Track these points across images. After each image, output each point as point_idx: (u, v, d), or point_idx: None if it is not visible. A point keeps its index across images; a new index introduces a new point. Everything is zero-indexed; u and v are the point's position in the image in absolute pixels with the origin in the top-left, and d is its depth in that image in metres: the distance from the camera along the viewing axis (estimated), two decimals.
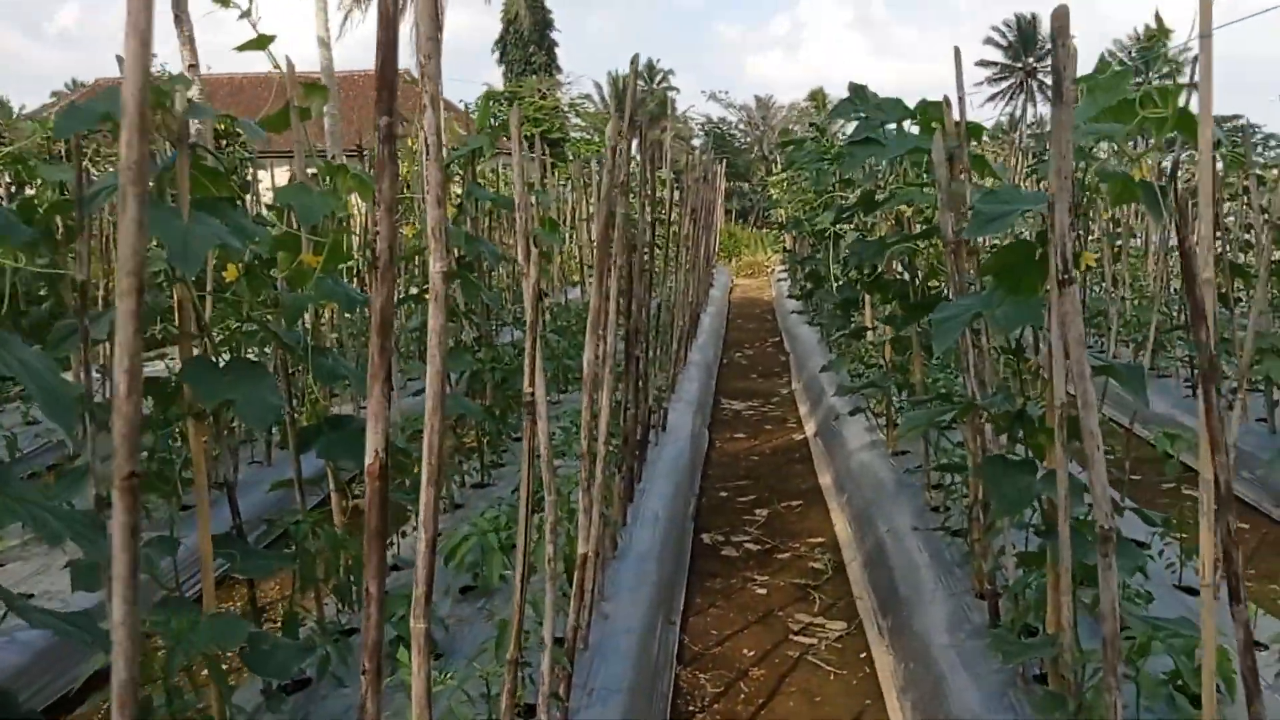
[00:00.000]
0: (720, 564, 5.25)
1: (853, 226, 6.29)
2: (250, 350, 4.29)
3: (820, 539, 5.57)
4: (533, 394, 2.29)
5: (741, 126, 45.57)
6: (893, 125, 4.20)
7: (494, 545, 3.02)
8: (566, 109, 29.43)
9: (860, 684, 3.94)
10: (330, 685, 3.33)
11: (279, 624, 3.41)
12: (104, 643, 2.24)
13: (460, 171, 5.41)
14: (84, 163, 3.16)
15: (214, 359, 2.96)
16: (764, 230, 27.37)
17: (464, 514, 5.15)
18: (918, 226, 4.98)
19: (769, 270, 21.99)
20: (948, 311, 2.62)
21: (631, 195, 7.25)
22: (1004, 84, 62.62)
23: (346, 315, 5.86)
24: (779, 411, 8.98)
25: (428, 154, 1.66)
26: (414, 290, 5.92)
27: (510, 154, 2.91)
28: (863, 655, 4.18)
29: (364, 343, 7.23)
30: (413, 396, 6.04)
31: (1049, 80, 2.09)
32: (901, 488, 5.38)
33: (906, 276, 4.90)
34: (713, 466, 7.16)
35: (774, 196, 15.49)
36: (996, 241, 4.12)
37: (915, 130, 4.07)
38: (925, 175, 4.37)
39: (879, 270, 5.90)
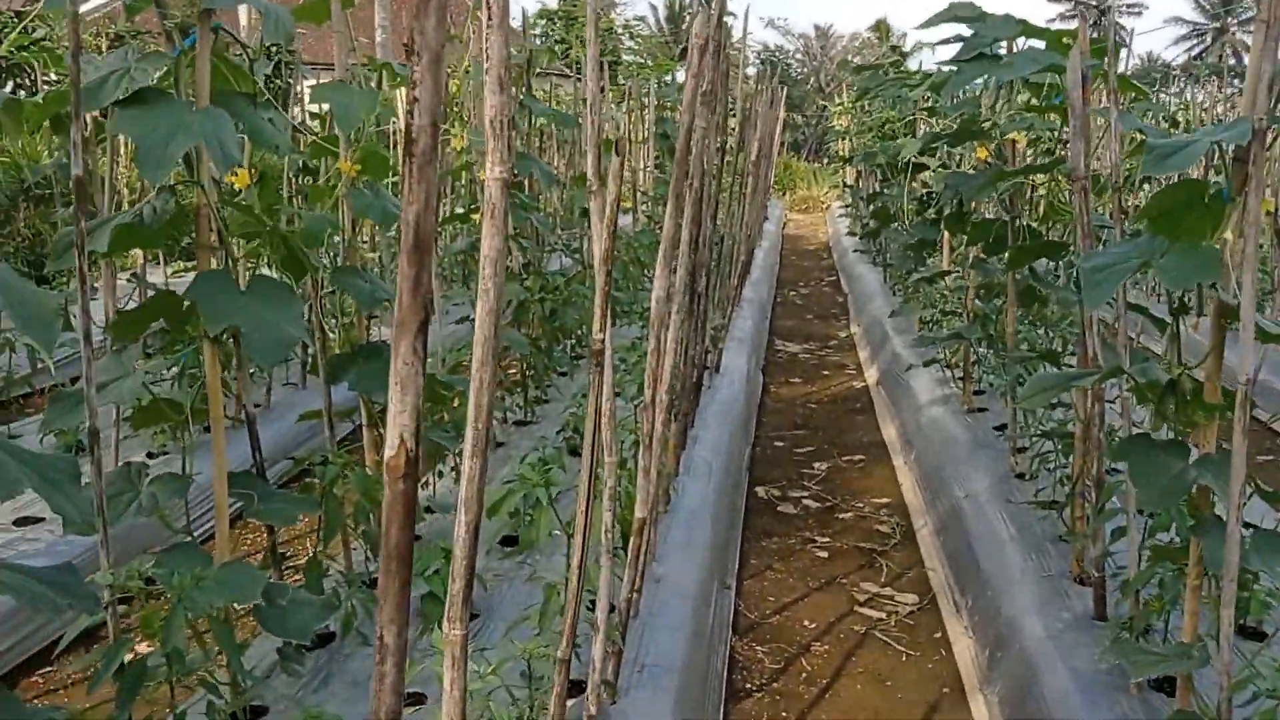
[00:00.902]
0: (777, 521, 4.87)
1: (939, 162, 5.78)
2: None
3: (885, 499, 5.17)
4: (603, 340, 1.88)
5: (799, 56, 44.34)
6: (1002, 46, 3.72)
7: (543, 501, 2.64)
8: (621, 31, 28.59)
9: (936, 669, 3.56)
10: (355, 642, 3.01)
11: (301, 570, 3.07)
12: (87, 604, 1.90)
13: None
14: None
15: (232, 275, 2.58)
16: (819, 164, 26.62)
17: (505, 453, 4.80)
18: (1019, 161, 4.48)
19: (824, 205, 21.34)
20: (1101, 259, 2.18)
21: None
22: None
23: (389, 234, 5.47)
24: (836, 356, 8.53)
25: (489, 19, 1.24)
26: (459, 209, 5.51)
27: (557, 77, 2.47)
28: (937, 635, 3.80)
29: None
30: (456, 324, 5.66)
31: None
32: (978, 448, 4.95)
33: (1005, 216, 4.42)
34: (767, 413, 6.76)
35: (837, 128, 14.84)
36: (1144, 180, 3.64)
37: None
38: (1043, 100, 3.88)
39: (965, 208, 5.42)
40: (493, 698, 2.34)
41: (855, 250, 12.72)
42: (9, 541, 3.68)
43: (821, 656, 3.63)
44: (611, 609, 2.79)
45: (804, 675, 3.49)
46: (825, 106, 26.76)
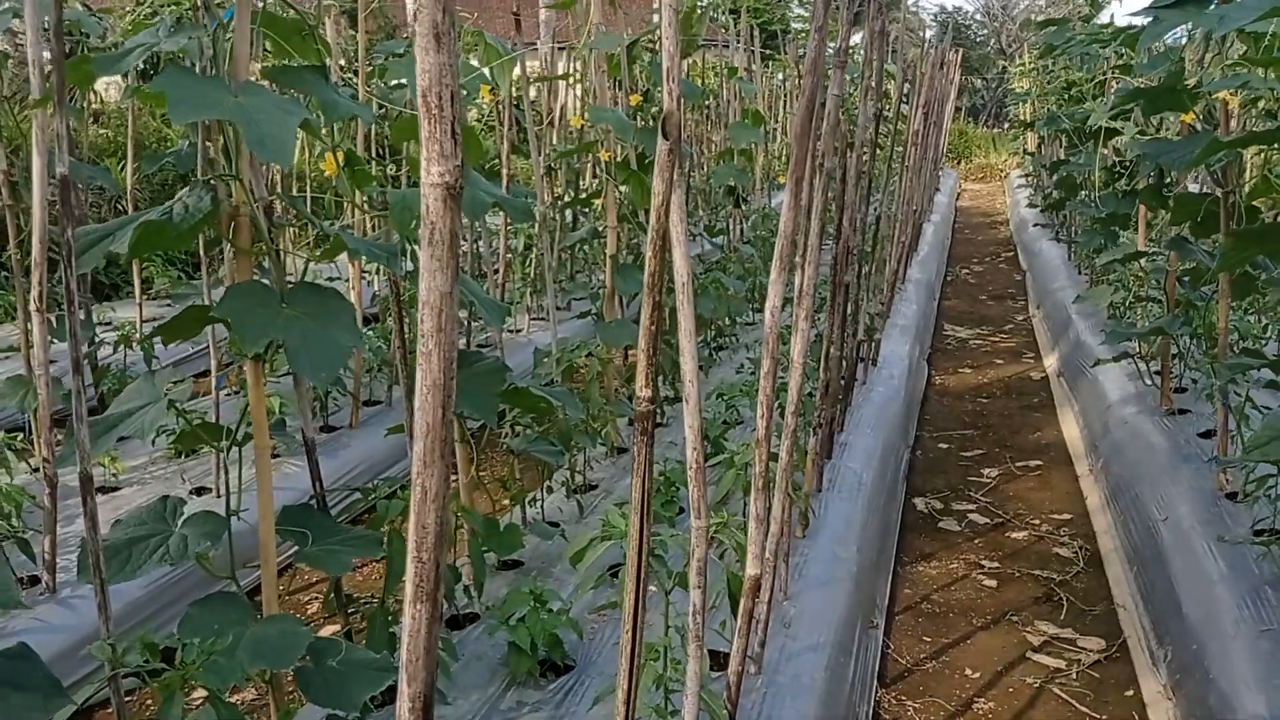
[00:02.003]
0: (937, 541, 4.28)
1: (1136, 128, 5.01)
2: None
3: (1066, 514, 4.50)
4: (649, 400, 1.38)
5: (978, 17, 42.20)
6: None
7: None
8: None
9: None
10: None
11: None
12: (49, 702, 1.57)
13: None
14: None
15: (273, 285, 2.23)
16: (998, 130, 25.14)
17: (629, 462, 4.38)
18: (1232, 127, 3.74)
19: (1003, 174, 20.06)
20: None
21: (852, 87, 6.16)
22: None
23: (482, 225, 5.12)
24: (1012, 342, 7.76)
25: None
26: (584, 194, 5.10)
27: (710, 45, 1.99)
28: (1129, 693, 3.17)
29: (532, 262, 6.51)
30: (576, 319, 5.25)
31: None
32: (1180, 461, 4.22)
33: (1216, 191, 3.69)
34: (930, 408, 6.11)
35: (1018, 90, 13.77)
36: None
37: None
38: (1262, 53, 3.16)
39: (1166, 180, 4.67)
40: None
41: (1036, 224, 11.73)
42: None
43: (985, 717, 3.06)
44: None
45: None
46: (1005, 69, 25.23)
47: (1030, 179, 14.98)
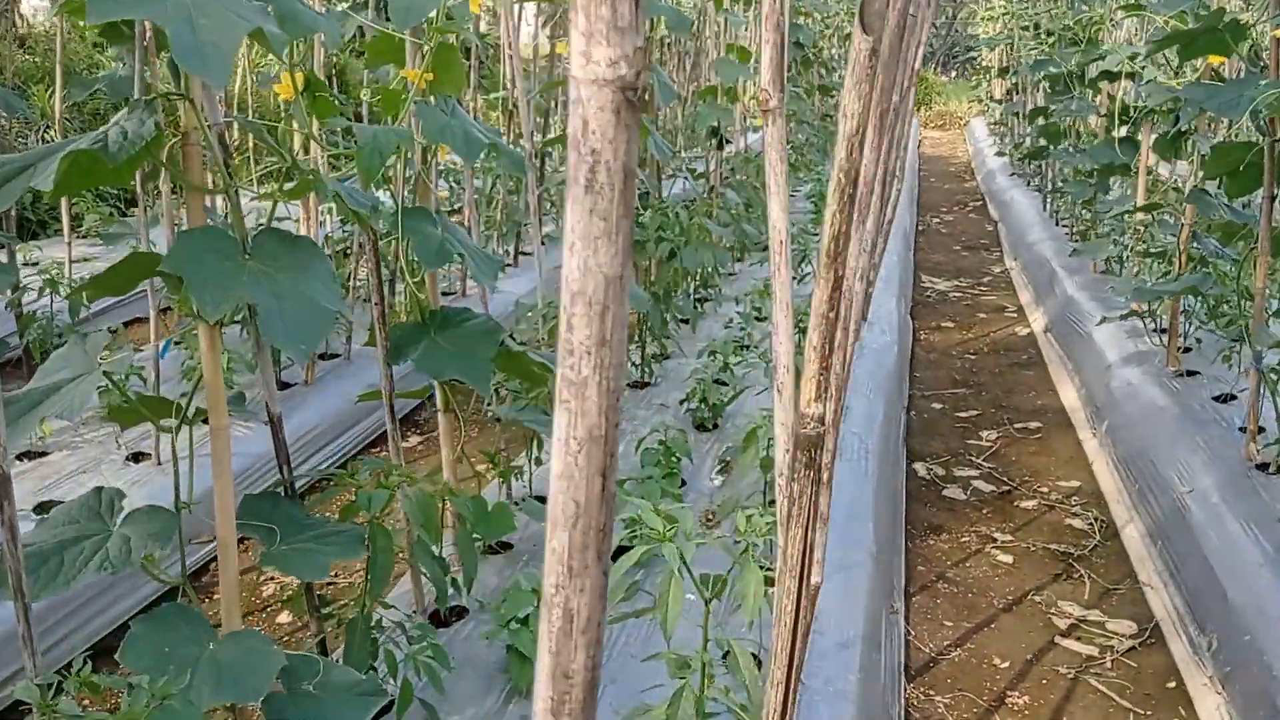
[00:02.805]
0: (944, 511, 4.01)
1: (1159, 70, 4.71)
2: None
3: (1074, 482, 4.25)
4: (820, 417, 0.99)
5: None
6: None
7: (675, 570, 1.83)
8: None
9: None
10: (416, 717, 2.28)
11: (348, 612, 2.36)
12: None
13: None
14: None
15: (233, 230, 1.83)
16: (946, 78, 24.89)
17: (621, 426, 4.02)
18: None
19: (962, 122, 19.81)
20: None
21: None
22: None
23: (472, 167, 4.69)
24: (991, 295, 7.51)
25: None
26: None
27: None
28: (1170, 684, 2.93)
29: (498, 204, 6.08)
30: (553, 269, 4.86)
31: None
32: (1196, 426, 3.98)
33: (1260, 140, 3.40)
34: (920, 366, 5.84)
35: (983, 36, 13.45)
36: None
37: None
38: None
39: (1183, 128, 4.38)
40: None
41: (1008, 173, 11.49)
42: (25, 535, 3.07)
43: (1020, 713, 2.80)
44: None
45: None
46: (954, 15, 24.89)
47: (997, 127, 14.73)
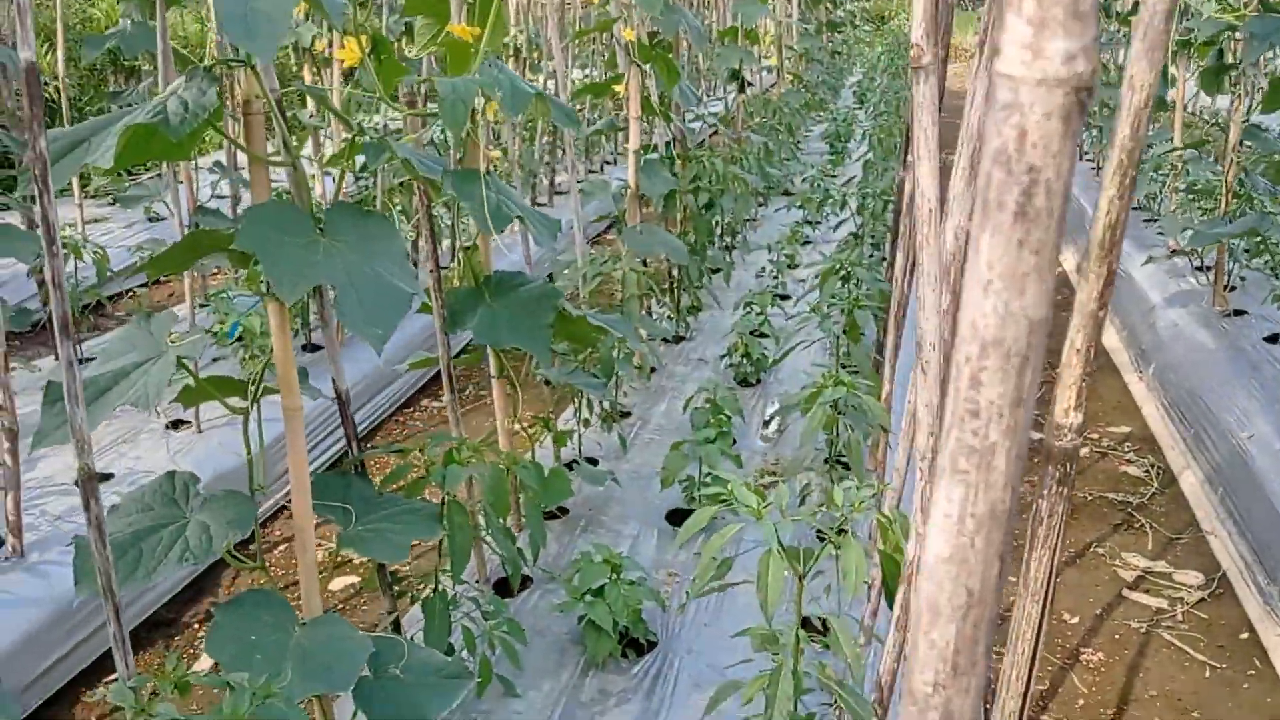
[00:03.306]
0: None
1: (1218, 5, 4.54)
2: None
3: (1125, 428, 4.18)
4: (1078, 427, 0.90)
5: None
6: None
7: (775, 549, 1.74)
8: None
9: (1257, 693, 2.65)
10: (495, 695, 2.23)
11: (416, 584, 2.29)
12: None
13: None
14: None
15: (303, 203, 1.73)
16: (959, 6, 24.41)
17: (659, 383, 3.95)
18: None
19: (969, 54, 19.48)
20: None
21: None
22: None
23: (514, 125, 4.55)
24: None
25: None
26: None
27: None
28: (1243, 635, 2.88)
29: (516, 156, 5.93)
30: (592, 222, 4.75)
31: None
32: (1250, 368, 3.90)
33: None
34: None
35: None
36: None
37: None
38: None
39: (1226, 61, 4.25)
40: None
41: None
42: (70, 510, 3.00)
43: (1096, 671, 2.75)
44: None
45: (1080, 703, 2.63)
46: None
47: None
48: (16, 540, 2.75)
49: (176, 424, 3.55)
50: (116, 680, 1.47)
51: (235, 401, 1.86)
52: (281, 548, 3.28)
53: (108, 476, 3.20)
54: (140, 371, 1.68)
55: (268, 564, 2.79)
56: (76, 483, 3.13)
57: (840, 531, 1.83)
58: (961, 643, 0.42)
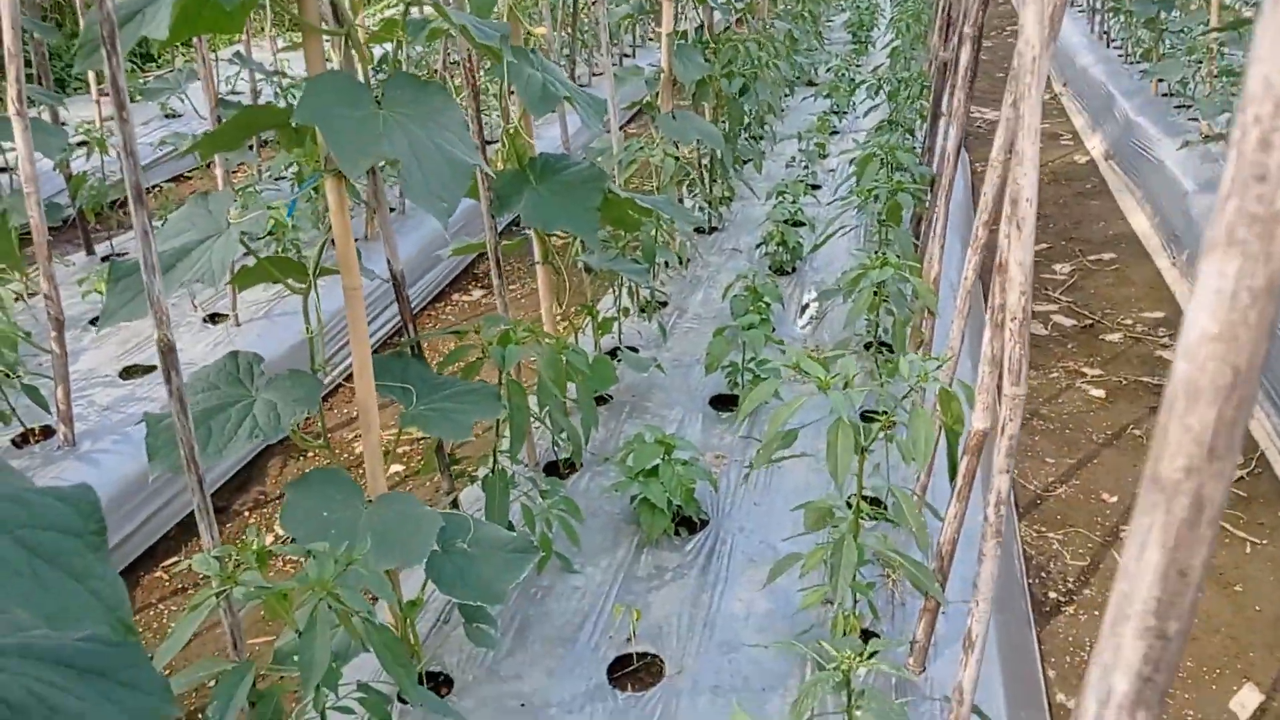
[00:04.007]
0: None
1: None
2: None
3: (1158, 313, 4.16)
4: None
5: None
6: None
7: (844, 409, 1.73)
8: None
9: None
10: (554, 572, 2.26)
11: (465, 462, 2.31)
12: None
13: None
14: None
15: (360, 75, 1.70)
16: None
17: (694, 273, 3.93)
18: None
19: None
20: None
21: None
22: None
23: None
24: (1045, 122, 7.21)
25: None
26: None
27: None
28: None
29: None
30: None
31: None
32: None
33: None
34: (979, 198, 5.66)
35: None
36: None
37: None
38: None
39: None
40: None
41: None
42: (117, 401, 3.02)
43: None
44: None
45: None
46: None
47: None
48: (68, 430, 2.77)
49: (213, 317, 3.55)
50: (199, 553, 1.49)
51: (294, 282, 1.85)
52: (331, 433, 3.30)
53: (151, 369, 3.21)
54: (203, 249, 1.67)
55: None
56: (121, 374, 3.15)
57: (896, 409, 1.83)
58: (1220, 425, 0.41)
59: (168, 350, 1.36)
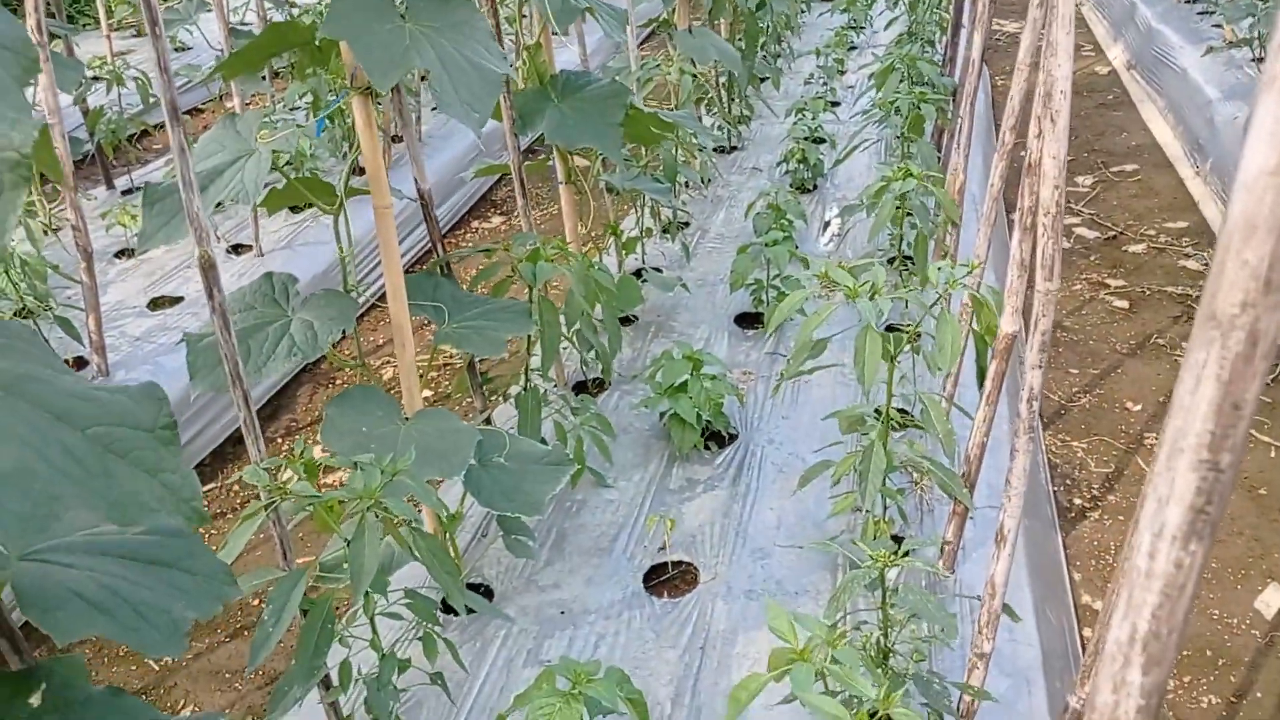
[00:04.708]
0: None
1: None
2: None
3: (1182, 223, 4.14)
4: None
5: None
6: None
7: (872, 315, 1.74)
8: None
9: None
10: (588, 486, 2.30)
11: (492, 377, 2.34)
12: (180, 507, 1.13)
13: None
14: None
15: None
16: None
17: (714, 193, 3.91)
18: None
19: None
20: None
21: None
22: None
23: None
24: None
25: None
26: None
27: None
28: None
29: None
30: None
31: None
32: None
33: None
34: (998, 111, 5.60)
35: None
36: None
37: None
38: None
39: None
40: None
41: None
42: (147, 332, 3.06)
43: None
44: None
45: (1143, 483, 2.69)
46: None
47: None
48: (101, 360, 2.82)
49: (237, 248, 3.57)
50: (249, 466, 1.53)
51: (324, 203, 1.86)
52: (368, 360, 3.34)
53: (178, 300, 3.24)
54: (235, 169, 1.68)
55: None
56: (150, 306, 3.17)
57: (924, 318, 1.84)
58: (1277, 258, 0.42)
59: (209, 267, 1.38)
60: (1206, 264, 3.78)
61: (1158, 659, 0.50)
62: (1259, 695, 2.08)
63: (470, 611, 1.97)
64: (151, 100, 4.13)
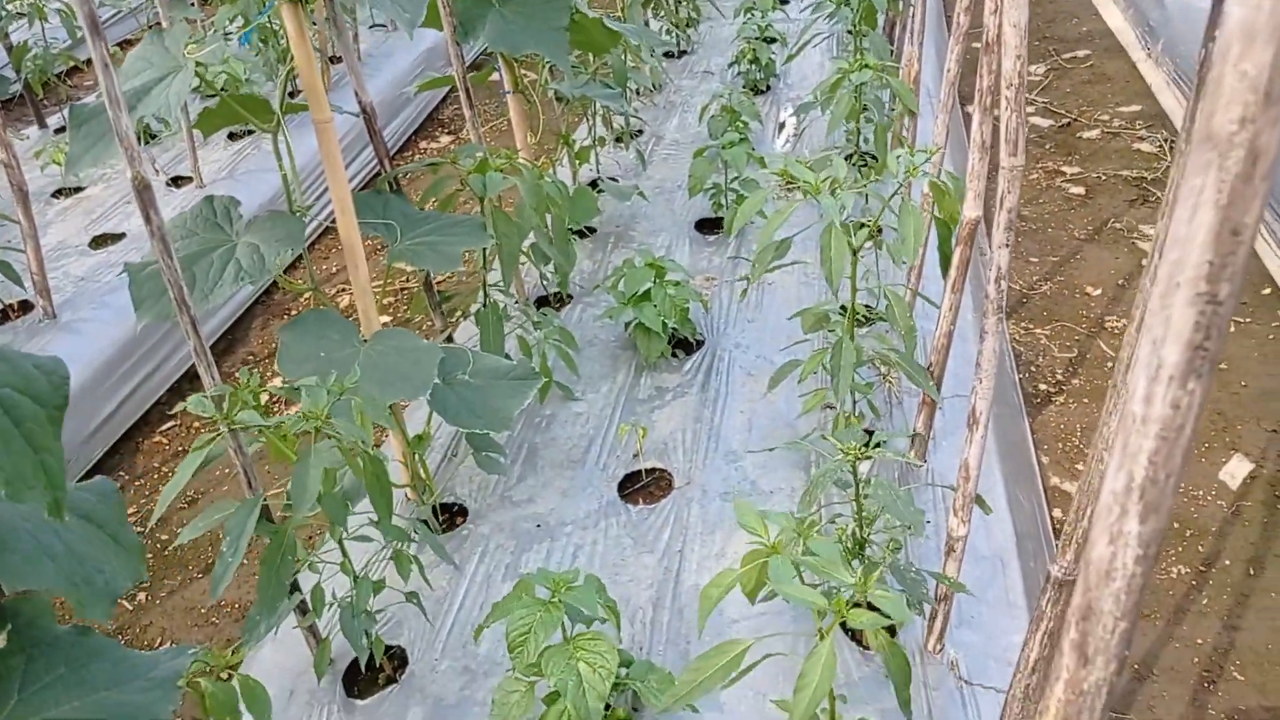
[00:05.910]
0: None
1: None
2: None
3: (1135, 106, 4.12)
4: None
5: None
6: None
7: (836, 212, 1.71)
8: None
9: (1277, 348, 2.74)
10: (556, 401, 2.28)
11: (444, 295, 2.30)
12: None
13: None
14: None
15: None
16: None
17: (666, 99, 3.84)
18: None
19: None
20: None
21: None
22: None
23: None
24: None
25: None
26: None
27: None
28: (1266, 291, 2.94)
29: None
30: None
31: None
32: None
33: None
34: (945, 4, 5.52)
35: None
36: None
37: None
38: None
39: None
40: None
41: None
42: (91, 270, 2.97)
43: (1121, 336, 2.82)
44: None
45: (1108, 364, 2.71)
46: None
47: None
48: (47, 302, 2.73)
49: (176, 180, 3.47)
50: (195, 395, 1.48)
51: (260, 122, 1.79)
52: (328, 286, 3.27)
53: (120, 236, 3.15)
54: (163, 85, 1.60)
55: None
56: (91, 244, 3.08)
57: (884, 211, 1.81)
58: (1278, 67, 0.39)
59: (144, 188, 1.32)
60: (1160, 145, 3.78)
61: (1155, 506, 0.49)
62: (1227, 563, 2.12)
63: (446, 529, 1.95)
64: (78, 34, 3.97)
